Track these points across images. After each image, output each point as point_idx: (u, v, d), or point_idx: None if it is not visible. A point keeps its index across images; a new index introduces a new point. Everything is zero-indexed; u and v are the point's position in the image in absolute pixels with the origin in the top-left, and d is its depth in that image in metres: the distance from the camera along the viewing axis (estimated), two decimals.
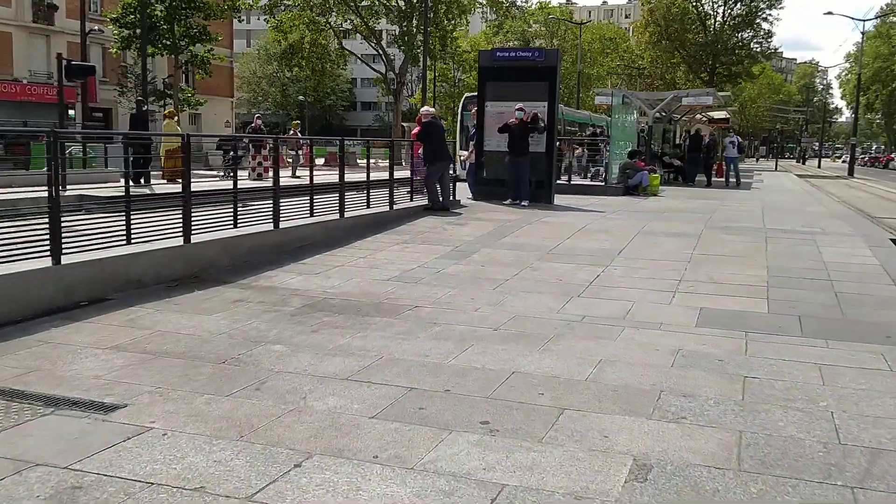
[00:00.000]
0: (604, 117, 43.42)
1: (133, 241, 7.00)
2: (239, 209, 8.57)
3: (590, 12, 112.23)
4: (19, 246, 6.02)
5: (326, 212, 10.23)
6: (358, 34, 49.08)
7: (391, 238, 10.16)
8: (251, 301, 6.61)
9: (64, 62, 15.62)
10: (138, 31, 29.79)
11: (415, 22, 44.79)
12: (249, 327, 5.70)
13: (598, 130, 28.71)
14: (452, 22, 47.08)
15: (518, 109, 13.71)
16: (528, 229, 11.09)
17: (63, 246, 6.22)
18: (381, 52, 48.00)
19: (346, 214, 10.58)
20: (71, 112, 35.04)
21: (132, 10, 29.26)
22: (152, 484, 3.13)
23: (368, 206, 11.35)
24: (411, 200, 12.87)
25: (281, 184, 9.39)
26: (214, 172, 24.42)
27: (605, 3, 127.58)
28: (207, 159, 29.85)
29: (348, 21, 48.95)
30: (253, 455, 3.43)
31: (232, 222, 8.41)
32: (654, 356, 5.17)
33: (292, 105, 63.59)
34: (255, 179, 20.75)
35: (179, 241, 7.52)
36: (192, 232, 7.67)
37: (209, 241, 7.88)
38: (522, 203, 13.94)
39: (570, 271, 8.13)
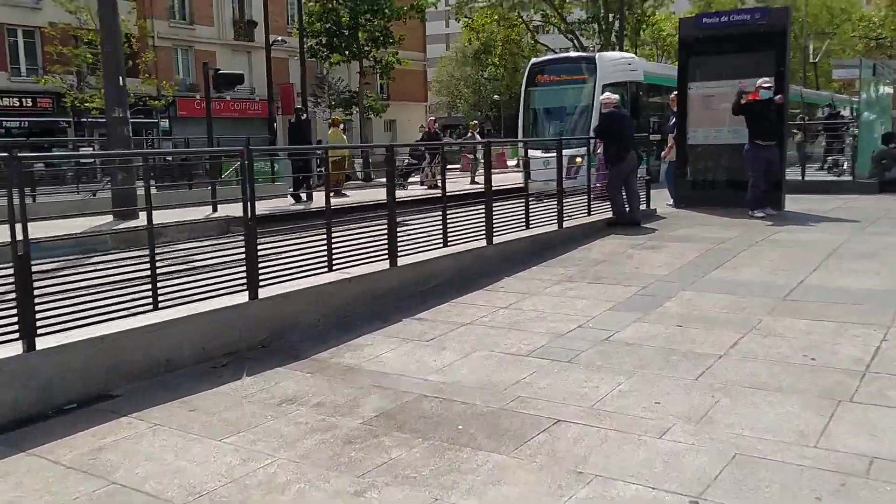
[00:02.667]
0: (839, 96, 37.21)
1: (161, 304, 4.97)
2: (338, 242, 6.36)
3: None
4: None
5: (467, 237, 7.80)
6: (552, 26, 46.30)
7: (552, 272, 7.50)
8: (306, 402, 4.32)
9: (211, 72, 14.73)
10: (324, 39, 29.40)
11: (610, 7, 41.25)
12: (258, 477, 3.38)
13: (836, 111, 23.89)
14: (650, 4, 43.02)
15: (765, 86, 10.32)
16: (750, 255, 7.92)
17: (40, 323, 4.32)
18: (576, 44, 44.91)
19: (496, 239, 8.08)
20: (275, 124, 35.84)
21: (317, 18, 28.81)
22: None
23: (528, 227, 8.77)
24: (589, 214, 10.07)
25: (402, 198, 7.12)
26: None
27: None
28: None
29: (540, 13, 46.35)
30: None
31: (326, 263, 6.22)
32: None
33: (486, 105, 62.11)
34: (430, 188, 18.95)
35: (243, 298, 5.44)
36: (262, 282, 5.57)
37: (287, 295, 5.72)
38: (769, 212, 10.64)
39: (824, 338, 5.04)
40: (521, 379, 4.55)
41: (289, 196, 16.36)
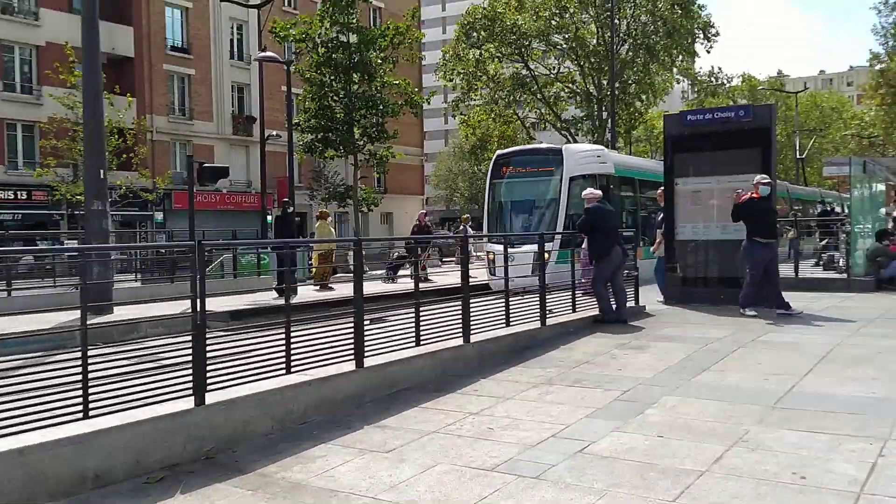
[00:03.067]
0: (828, 192, 37.51)
1: (93, 411, 4.56)
2: (300, 341, 5.99)
3: (805, 83, 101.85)
4: None
5: (443, 335, 7.43)
6: (545, 122, 47.23)
7: (531, 374, 7.09)
8: None
9: (196, 165, 14.72)
10: (320, 135, 29.77)
11: (604, 105, 42.18)
12: None
13: (829, 208, 23.93)
14: (643, 104, 44.07)
15: (763, 182, 10.28)
16: (740, 357, 7.54)
17: None
18: (570, 140, 45.70)
19: (475, 337, 7.72)
20: (269, 218, 35.97)
21: (313, 115, 29.25)
22: None
23: (508, 324, 8.41)
24: (573, 311, 9.75)
25: (371, 293, 6.79)
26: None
27: (822, 72, 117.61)
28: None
29: (535, 111, 47.40)
30: None
31: (283, 363, 5.83)
32: None
33: (482, 198, 63.02)
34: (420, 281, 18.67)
35: (188, 404, 5.04)
36: (211, 386, 5.18)
37: (237, 401, 5.31)
38: (795, 312, 10.19)
39: (816, 452, 4.61)
40: (483, 498, 4.11)
41: (273, 290, 16.11)
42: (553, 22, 43.69)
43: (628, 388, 6.37)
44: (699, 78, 58.61)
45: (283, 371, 5.79)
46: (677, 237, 11.77)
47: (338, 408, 5.99)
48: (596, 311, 9.86)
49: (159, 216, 34.79)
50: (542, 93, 45.14)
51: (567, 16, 43.83)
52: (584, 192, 10.09)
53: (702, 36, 44.69)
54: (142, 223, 34.06)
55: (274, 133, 28.19)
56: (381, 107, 28.94)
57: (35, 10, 32.28)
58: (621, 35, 42.38)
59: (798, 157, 42.81)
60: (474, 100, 47.09)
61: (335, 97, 28.75)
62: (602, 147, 20.04)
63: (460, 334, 7.57)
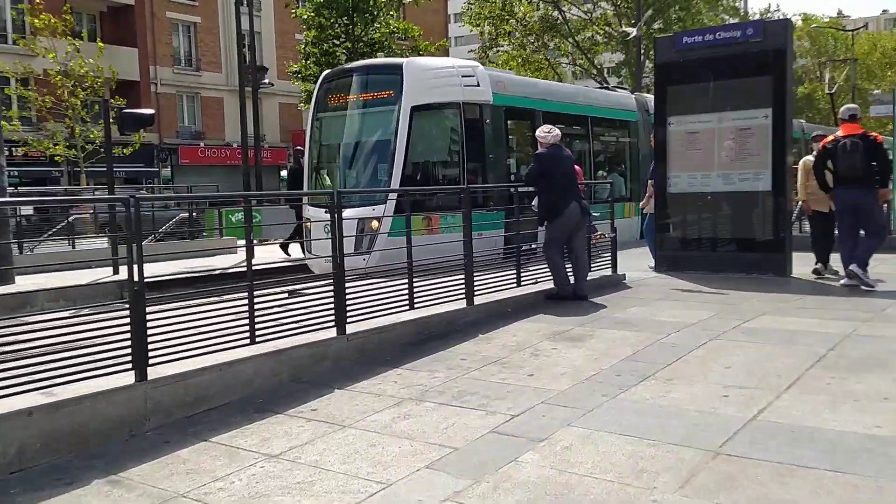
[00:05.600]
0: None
1: None
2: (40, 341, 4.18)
3: (866, 24, 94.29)
4: None
5: (303, 326, 5.56)
6: (578, 67, 44.37)
7: (408, 381, 5.14)
8: None
9: (113, 111, 12.88)
10: None
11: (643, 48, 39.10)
12: None
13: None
14: None
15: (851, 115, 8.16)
16: (704, 355, 5.46)
17: None
18: (605, 86, 42.70)
19: (357, 326, 5.83)
20: (283, 173, 34.39)
21: (314, 62, 27.29)
22: None
23: (413, 306, 6.48)
24: (518, 285, 7.75)
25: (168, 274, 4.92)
26: None
27: (884, 11, 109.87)
28: None
29: (568, 57, 44.53)
30: None
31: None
32: None
33: None
34: None
35: None
36: None
37: None
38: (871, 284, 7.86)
39: None
40: None
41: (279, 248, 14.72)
42: None
43: (522, 411, 4.40)
44: (746, 17, 54.55)
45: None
46: (669, 189, 9.60)
47: (93, 443, 4.18)
48: (551, 285, 7.85)
49: (166, 172, 33.47)
50: (574, 37, 42.29)
51: None
52: (538, 133, 7.95)
53: None
54: (148, 180, 32.80)
55: (266, 82, 26.34)
56: (387, 52, 26.86)
57: None
58: None
59: (827, 91, 38.28)
60: (502, 46, 44.46)
61: (336, 41, 26.76)
62: (475, 63, 13.03)
63: (333, 322, 5.68)
